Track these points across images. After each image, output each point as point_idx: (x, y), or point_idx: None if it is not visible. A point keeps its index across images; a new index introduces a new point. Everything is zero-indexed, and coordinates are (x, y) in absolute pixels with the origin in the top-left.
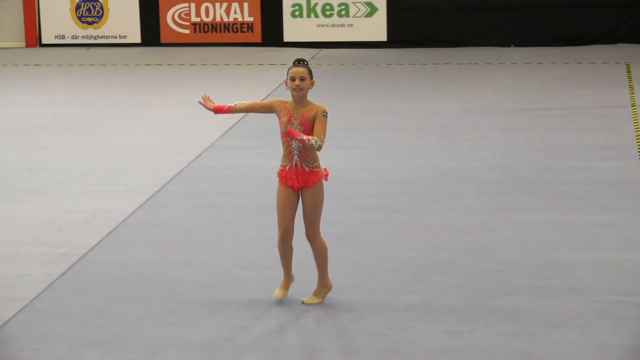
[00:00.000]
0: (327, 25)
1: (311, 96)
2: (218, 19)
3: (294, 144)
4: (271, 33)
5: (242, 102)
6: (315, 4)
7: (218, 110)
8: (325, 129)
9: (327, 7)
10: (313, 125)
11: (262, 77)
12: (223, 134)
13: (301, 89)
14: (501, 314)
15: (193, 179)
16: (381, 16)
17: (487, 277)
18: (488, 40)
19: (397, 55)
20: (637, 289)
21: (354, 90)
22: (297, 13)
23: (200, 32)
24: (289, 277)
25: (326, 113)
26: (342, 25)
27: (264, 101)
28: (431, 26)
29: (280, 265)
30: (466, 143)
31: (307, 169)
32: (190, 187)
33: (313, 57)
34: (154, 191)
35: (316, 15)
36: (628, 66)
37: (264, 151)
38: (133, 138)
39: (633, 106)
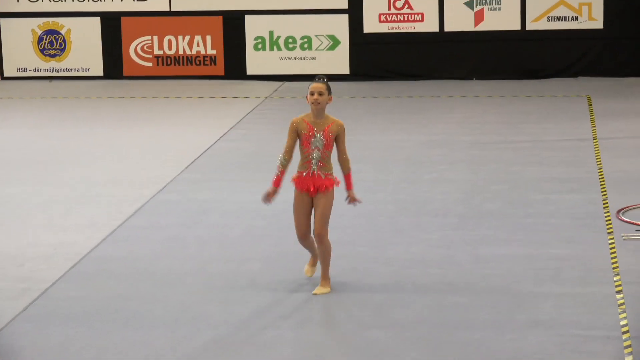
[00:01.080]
0: (290, 58)
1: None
2: (181, 52)
3: (316, 154)
4: (234, 66)
5: (281, 157)
6: (278, 37)
7: (278, 183)
8: (345, 145)
9: (290, 40)
10: (334, 138)
11: (225, 110)
12: (186, 167)
13: (319, 103)
14: (465, 349)
15: (156, 213)
16: (344, 49)
17: (450, 311)
18: (450, 74)
19: (359, 88)
20: (600, 322)
21: None
22: (260, 46)
23: (163, 65)
24: (315, 256)
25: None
26: (305, 58)
27: (289, 136)
28: (394, 59)
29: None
30: (429, 176)
31: (322, 176)
32: (153, 221)
33: (276, 90)
34: (117, 225)
35: (279, 49)
36: (589, 99)
37: (228, 185)
38: (96, 171)
39: (594, 139)
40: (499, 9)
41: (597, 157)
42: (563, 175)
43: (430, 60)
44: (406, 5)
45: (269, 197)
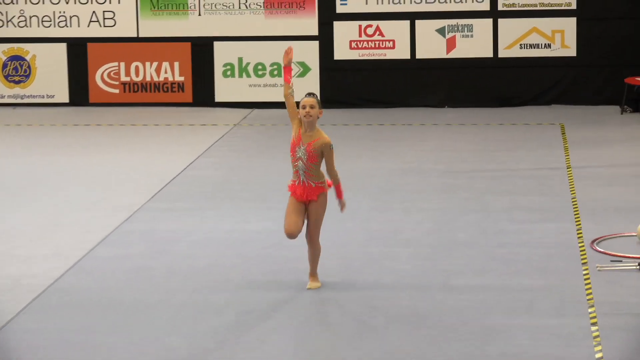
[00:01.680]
0: (259, 85)
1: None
2: (148, 79)
3: (300, 164)
4: (202, 93)
5: (293, 92)
6: (247, 64)
7: (287, 70)
8: (334, 162)
9: (259, 67)
10: (317, 154)
11: (194, 138)
12: (153, 196)
13: (311, 116)
14: None
15: (122, 242)
16: (314, 76)
17: (422, 342)
18: (422, 101)
19: (330, 116)
20: (575, 355)
21: (287, 150)
22: (228, 73)
23: (130, 91)
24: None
25: (332, 146)
26: (274, 85)
27: (296, 112)
28: (365, 86)
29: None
30: (400, 205)
31: (312, 185)
32: (119, 251)
33: (245, 117)
34: (82, 255)
35: (248, 75)
36: (562, 127)
37: (195, 214)
38: (60, 200)
39: (568, 168)
40: (471, 36)
41: (570, 186)
42: (536, 205)
43: (402, 88)
44: (377, 32)
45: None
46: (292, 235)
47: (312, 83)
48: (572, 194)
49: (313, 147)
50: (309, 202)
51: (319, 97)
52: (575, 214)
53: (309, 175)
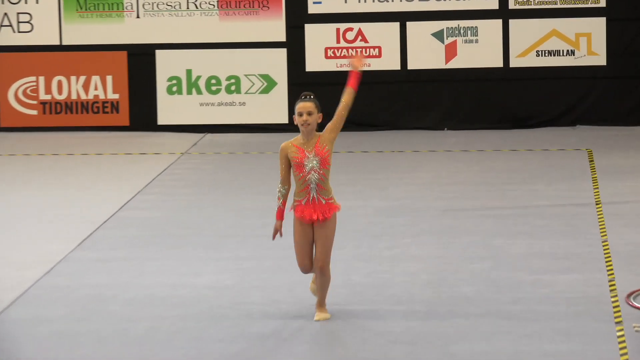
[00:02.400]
0: (213, 104)
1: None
2: (74, 97)
3: (313, 176)
4: (142, 114)
5: (279, 187)
6: (198, 78)
7: (282, 216)
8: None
9: (213, 82)
10: (329, 153)
11: (131, 170)
12: (80, 244)
13: (309, 124)
14: None
15: (40, 302)
16: (281, 92)
17: None
18: (416, 122)
19: None
20: None
21: (247, 185)
22: (174, 89)
23: (51, 112)
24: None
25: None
26: (231, 104)
27: (281, 164)
28: None
29: None
30: (390, 252)
31: (323, 202)
32: (36, 312)
33: (195, 144)
34: None
35: (199, 92)
36: (590, 153)
37: (132, 265)
38: None
39: (597, 204)
40: (476, 41)
41: (601, 227)
42: (559, 250)
43: (391, 106)
44: (359, 37)
45: (278, 233)
46: (307, 270)
47: (278, 101)
48: (602, 236)
49: (320, 146)
50: (316, 224)
51: (315, 99)
52: (607, 262)
53: (320, 188)
